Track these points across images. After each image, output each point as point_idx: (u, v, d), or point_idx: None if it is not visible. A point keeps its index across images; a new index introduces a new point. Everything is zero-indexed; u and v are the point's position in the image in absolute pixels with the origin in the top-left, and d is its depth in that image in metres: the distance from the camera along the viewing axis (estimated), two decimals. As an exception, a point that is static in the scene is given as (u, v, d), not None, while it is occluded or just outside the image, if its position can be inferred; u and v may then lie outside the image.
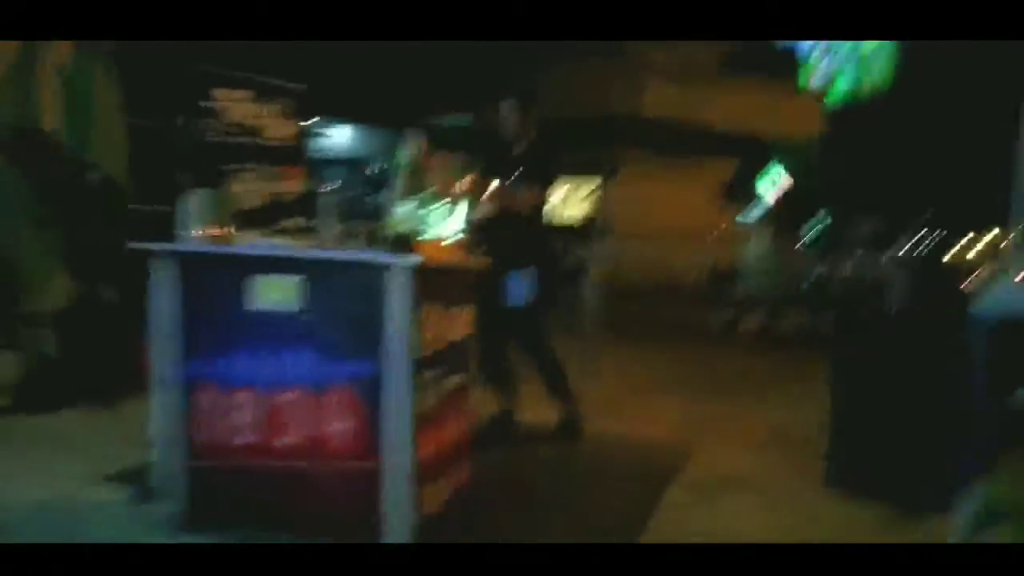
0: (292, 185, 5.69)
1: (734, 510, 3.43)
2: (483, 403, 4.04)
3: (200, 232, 3.01)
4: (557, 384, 4.37)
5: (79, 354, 4.25)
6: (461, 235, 3.63)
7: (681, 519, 3.27)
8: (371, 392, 2.68)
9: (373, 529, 2.64)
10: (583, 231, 19.27)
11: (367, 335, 2.70)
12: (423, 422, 2.79)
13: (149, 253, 2.83)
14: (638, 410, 5.33)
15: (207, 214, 3.07)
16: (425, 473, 2.80)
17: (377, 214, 3.72)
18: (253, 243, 3.19)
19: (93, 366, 4.22)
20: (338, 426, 2.71)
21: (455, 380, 3.14)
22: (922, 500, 3.41)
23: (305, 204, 5.44)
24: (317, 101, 6.95)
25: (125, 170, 4.79)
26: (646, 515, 3.26)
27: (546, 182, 4.22)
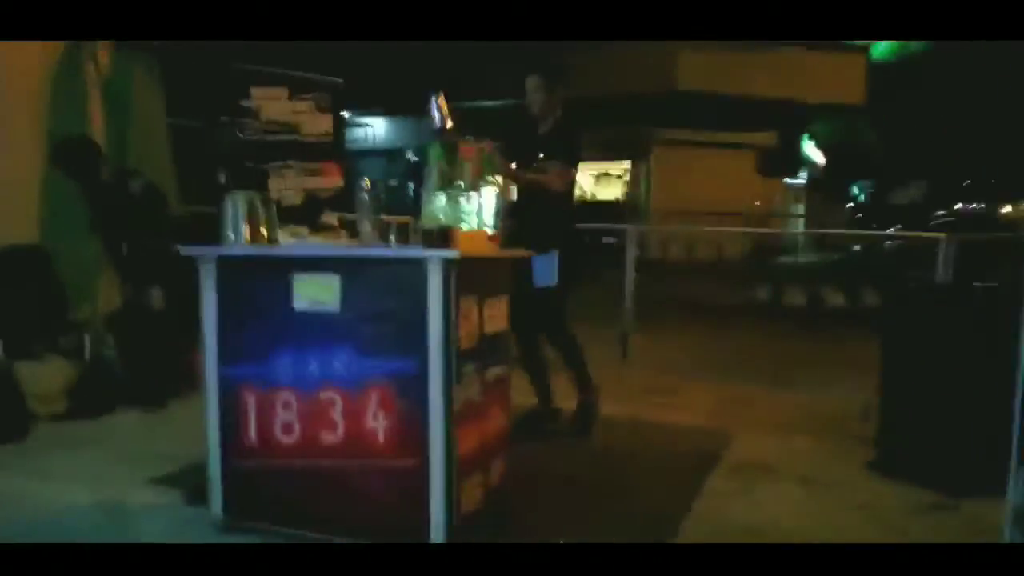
0: (330, 180, 5.74)
1: (777, 498, 3.40)
2: (521, 393, 4.06)
3: (243, 233, 3.06)
4: (576, 368, 4.32)
5: (130, 358, 4.37)
6: (496, 224, 3.63)
7: (723, 508, 3.25)
8: (412, 388, 2.72)
9: (417, 527, 2.68)
10: (619, 210, 19.17)
11: (407, 331, 2.74)
12: (464, 417, 2.82)
13: (192, 257, 2.90)
14: (677, 394, 5.32)
15: (249, 215, 3.11)
16: (466, 468, 2.84)
17: (414, 206, 3.74)
18: (293, 243, 3.24)
19: (144, 369, 4.34)
20: (380, 423, 2.75)
21: (495, 372, 3.16)
22: (972, 484, 3.35)
23: (343, 199, 5.50)
24: (352, 93, 7.01)
25: (167, 175, 4.90)
26: (687, 505, 3.25)
27: (572, 162, 4.17)
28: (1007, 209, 18.34)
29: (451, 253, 2.75)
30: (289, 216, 5.01)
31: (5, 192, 4.38)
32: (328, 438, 2.79)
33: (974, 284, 3.99)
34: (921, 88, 21.13)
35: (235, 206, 3.02)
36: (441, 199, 3.28)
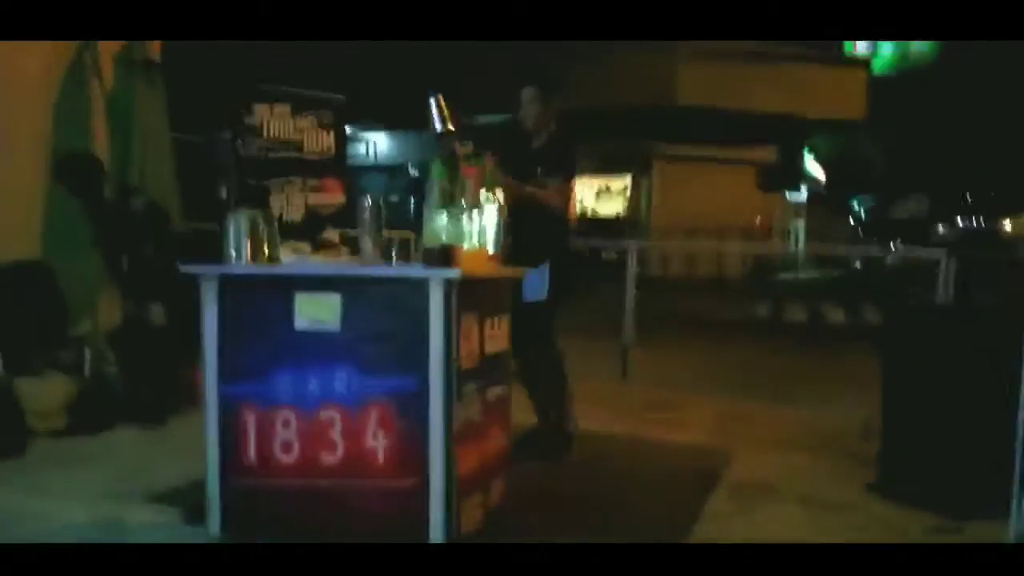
0: (331, 196, 5.77)
1: (778, 519, 3.37)
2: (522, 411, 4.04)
3: (244, 251, 3.07)
4: (556, 388, 4.11)
5: (130, 374, 4.36)
6: (498, 243, 3.62)
7: (723, 530, 3.22)
8: (412, 408, 2.72)
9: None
10: (619, 225, 19.20)
11: (408, 350, 2.74)
12: (464, 436, 2.82)
13: (194, 275, 2.90)
14: (677, 410, 5.30)
15: (251, 233, 3.12)
16: (466, 488, 2.83)
17: (416, 221, 3.74)
18: (294, 261, 3.24)
19: (144, 386, 4.34)
20: (379, 443, 2.75)
21: (495, 392, 3.16)
22: (974, 507, 3.33)
23: (345, 215, 5.51)
24: (353, 109, 7.04)
25: (170, 191, 4.91)
26: (687, 528, 3.22)
27: (568, 177, 4.14)
28: (1008, 224, 18.35)
29: (452, 272, 2.75)
30: (291, 232, 5.03)
31: (8, 207, 4.39)
32: (327, 457, 2.79)
33: (975, 303, 4.00)
34: (922, 102, 21.20)
35: (237, 224, 3.03)
36: (443, 217, 3.28)
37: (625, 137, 18.85)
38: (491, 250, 3.34)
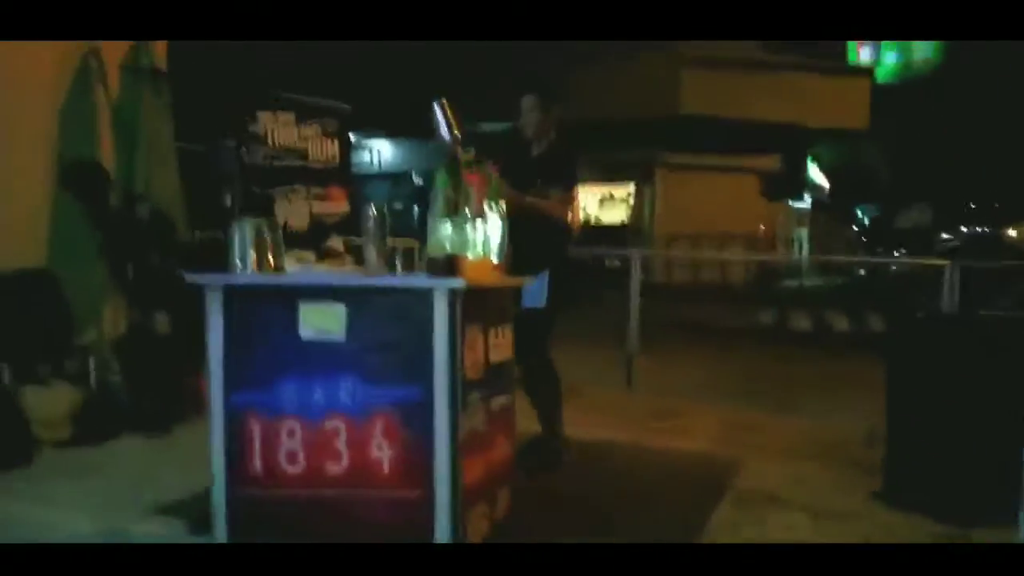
0: (336, 205, 5.77)
1: (785, 530, 3.36)
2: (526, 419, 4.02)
3: (250, 261, 3.07)
4: (553, 395, 4.09)
5: (135, 383, 4.36)
6: (502, 252, 3.62)
7: (730, 539, 3.21)
8: (417, 418, 2.71)
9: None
10: (623, 233, 19.20)
11: (413, 360, 2.74)
12: (469, 446, 2.81)
13: (199, 285, 2.90)
14: (682, 419, 5.29)
15: (255, 243, 3.12)
16: (471, 499, 2.82)
17: (420, 230, 3.74)
18: (299, 271, 3.25)
19: (149, 395, 4.33)
20: (385, 453, 2.74)
21: (500, 401, 3.16)
22: (981, 515, 3.32)
23: (349, 223, 5.51)
24: (358, 117, 7.05)
25: (175, 200, 4.92)
26: (694, 537, 3.20)
27: (570, 186, 4.12)
28: (1012, 232, 18.32)
29: (457, 282, 2.75)
30: (295, 240, 5.04)
31: (13, 215, 4.40)
32: (333, 467, 2.78)
33: (980, 312, 3.99)
34: (926, 111, 21.21)
35: (242, 233, 3.03)
36: (447, 226, 3.28)
37: (628, 146, 18.88)
38: (495, 259, 3.34)
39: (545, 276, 3.91)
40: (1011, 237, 18.30)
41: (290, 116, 5.69)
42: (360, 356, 2.78)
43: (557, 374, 4.12)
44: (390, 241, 3.21)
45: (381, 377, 2.76)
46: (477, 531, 2.87)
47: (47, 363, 4.21)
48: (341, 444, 2.77)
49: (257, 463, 2.83)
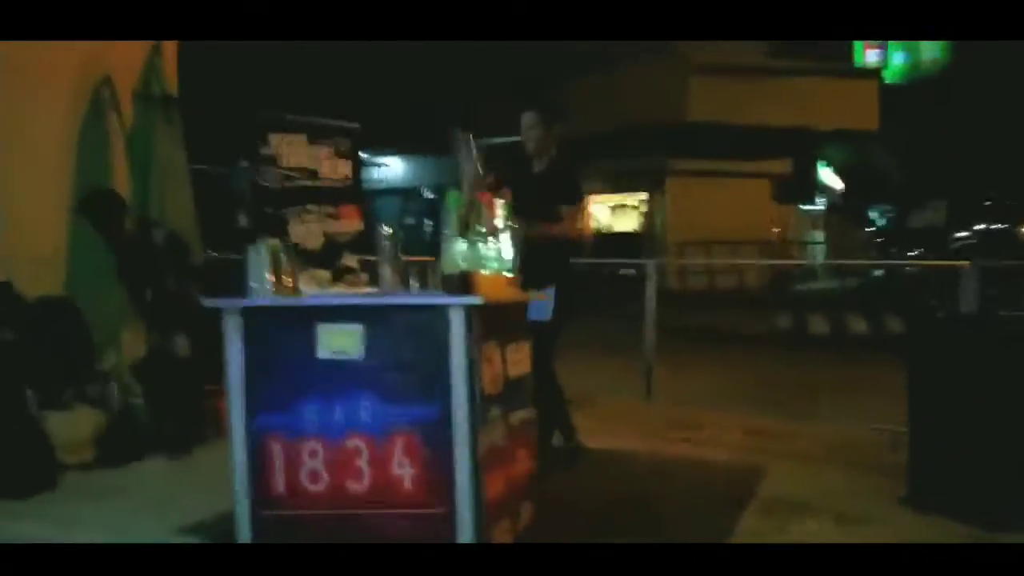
0: (349, 223, 5.79)
1: (813, 538, 3.33)
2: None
3: (266, 283, 3.09)
4: (556, 405, 4.16)
5: (156, 406, 4.40)
6: (515, 268, 3.63)
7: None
8: (438, 435, 2.72)
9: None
10: (637, 242, 19.17)
11: (431, 378, 2.75)
12: (490, 462, 2.81)
13: (216, 308, 2.92)
14: (703, 428, 5.26)
15: (271, 265, 3.14)
16: (494, 514, 2.82)
17: (433, 246, 3.75)
18: (316, 292, 3.27)
19: (170, 417, 4.36)
20: (406, 471, 2.75)
21: (520, 415, 3.16)
22: (1008, 518, 3.28)
23: (363, 241, 5.53)
24: (368, 136, 7.10)
25: (190, 223, 4.96)
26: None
27: (575, 201, 4.14)
28: (1028, 230, 18.14)
29: (473, 299, 2.76)
30: (310, 260, 5.07)
31: (33, 244, 4.46)
32: (354, 487, 2.79)
33: (1001, 313, 3.95)
34: (936, 110, 21.11)
35: (258, 256, 3.05)
36: (461, 243, 3.29)
37: (638, 154, 18.89)
38: (509, 274, 3.34)
39: (551, 290, 3.93)
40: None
41: (301, 137, 5.72)
42: (379, 375, 2.79)
43: (560, 385, 4.17)
44: (404, 258, 3.23)
45: (400, 396, 2.77)
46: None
47: (69, 388, 4.25)
48: (362, 463, 2.78)
49: (280, 484, 2.84)
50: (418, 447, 2.74)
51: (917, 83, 22.06)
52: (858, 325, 10.28)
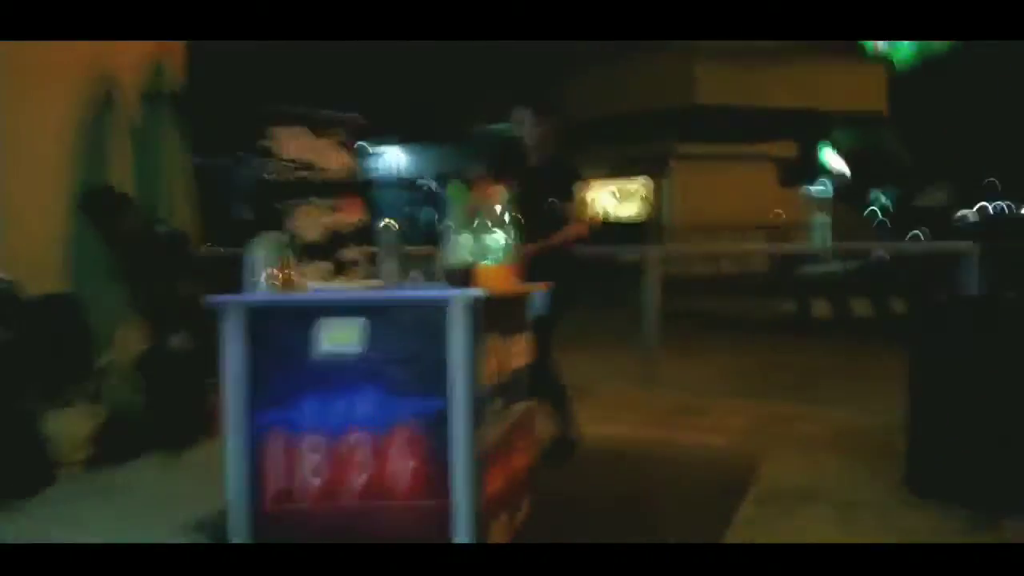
0: (351, 215, 5.79)
1: (815, 525, 3.33)
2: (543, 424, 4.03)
3: (267, 277, 3.09)
4: (556, 397, 4.17)
5: (154, 403, 4.40)
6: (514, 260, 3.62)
7: (759, 536, 3.19)
8: (437, 429, 2.72)
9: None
10: (639, 227, 19.13)
11: (432, 371, 2.74)
12: (490, 455, 2.82)
13: (216, 305, 2.92)
14: (706, 415, 5.27)
15: (272, 259, 3.14)
16: (493, 509, 2.83)
17: (434, 237, 3.75)
18: (317, 286, 3.26)
19: (168, 414, 4.37)
20: (406, 465, 2.75)
21: (519, 408, 3.16)
22: (1011, 503, 3.28)
23: (364, 233, 5.54)
24: (370, 126, 7.09)
25: (192, 220, 4.97)
26: (721, 533, 3.19)
27: (566, 197, 4.11)
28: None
29: (475, 292, 2.76)
30: (312, 252, 5.08)
31: (33, 241, 4.47)
32: (354, 481, 2.79)
33: (1006, 295, 3.94)
34: (943, 91, 20.95)
35: (259, 251, 3.05)
36: (463, 236, 3.29)
37: (643, 139, 18.82)
38: (510, 266, 3.34)
39: (548, 286, 3.92)
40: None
41: (303, 129, 5.71)
42: (380, 369, 2.78)
43: (561, 377, 4.17)
44: (405, 250, 3.23)
45: (401, 389, 2.76)
46: (499, 540, 2.87)
47: (69, 385, 4.26)
48: (362, 458, 2.77)
49: (280, 479, 2.85)
50: (418, 441, 2.74)
51: (925, 65, 21.89)
52: (862, 308, 10.25)
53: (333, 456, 2.79)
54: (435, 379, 2.74)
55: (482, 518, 2.72)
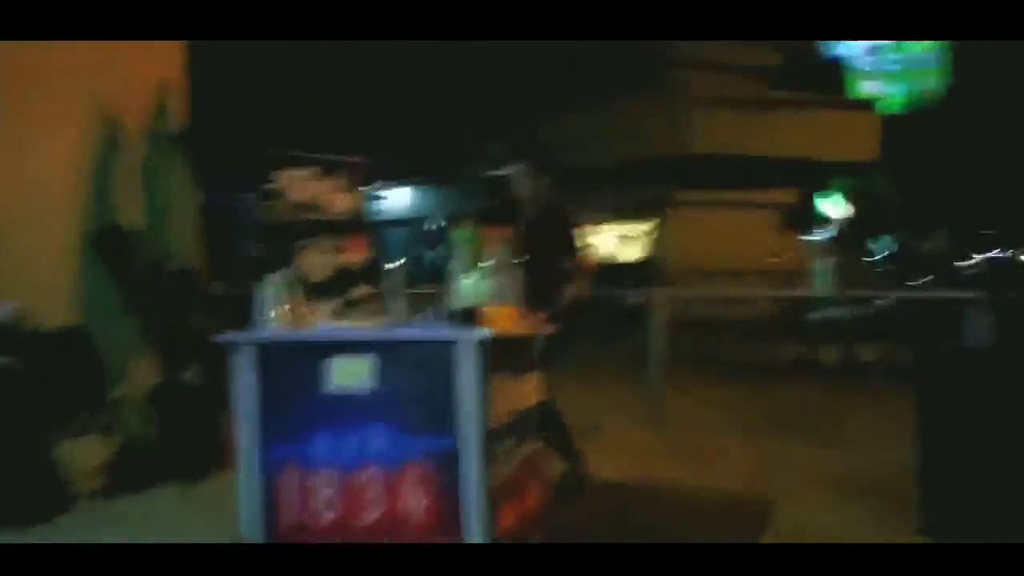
0: (357, 254, 5.84)
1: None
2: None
3: (277, 316, 3.10)
4: (559, 436, 4.10)
5: (167, 435, 4.40)
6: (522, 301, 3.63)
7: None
8: (448, 467, 2.71)
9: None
10: (640, 271, 19.20)
11: (441, 410, 2.75)
12: (501, 494, 2.80)
13: (229, 341, 2.93)
14: (714, 460, 5.23)
15: (282, 298, 3.16)
16: (506, 546, 2.80)
17: (440, 275, 3.77)
18: (325, 325, 3.28)
19: (180, 446, 4.37)
20: (417, 503, 2.74)
21: (530, 446, 3.15)
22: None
23: (371, 272, 5.58)
24: (374, 168, 7.18)
25: (200, 256, 5.01)
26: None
27: (561, 248, 4.12)
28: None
29: (483, 333, 2.77)
30: (320, 291, 5.11)
31: (46, 276, 4.50)
32: (366, 518, 2.77)
33: (1007, 344, 3.95)
34: (936, 138, 21.23)
35: (269, 290, 3.08)
36: (470, 277, 3.32)
37: (641, 186, 19.00)
38: (516, 307, 3.36)
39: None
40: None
41: (309, 172, 5.80)
42: (390, 407, 2.80)
43: (562, 416, 4.13)
44: (412, 289, 3.26)
45: (411, 428, 2.77)
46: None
47: (82, 416, 4.27)
48: (374, 495, 2.77)
49: (291, 515, 2.83)
50: (429, 480, 2.74)
51: (916, 113, 22.22)
52: (867, 353, 10.23)
53: (345, 492, 2.79)
54: (445, 418, 2.75)
55: (493, 557, 2.69)
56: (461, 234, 3.56)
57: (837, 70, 21.78)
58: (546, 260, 4.00)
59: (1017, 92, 18.47)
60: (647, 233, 20.99)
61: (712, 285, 17.39)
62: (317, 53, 10.75)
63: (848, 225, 22.24)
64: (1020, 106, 18.96)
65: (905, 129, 21.37)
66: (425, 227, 20.08)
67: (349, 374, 2.83)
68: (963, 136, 20.96)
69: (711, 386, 8.37)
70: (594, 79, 17.56)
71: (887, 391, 7.01)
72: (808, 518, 3.94)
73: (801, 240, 20.98)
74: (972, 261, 18.77)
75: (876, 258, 21.56)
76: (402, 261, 3.92)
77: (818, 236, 21.85)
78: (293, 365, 2.89)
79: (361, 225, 6.25)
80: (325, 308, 4.48)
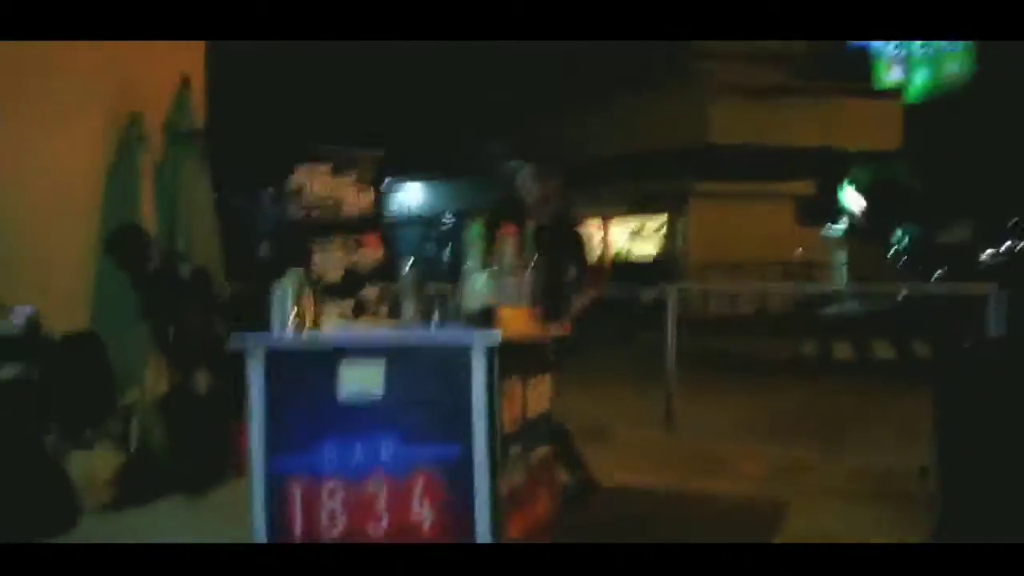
0: (371, 252, 5.83)
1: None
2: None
3: (290, 319, 3.08)
4: (562, 445, 4.01)
5: (177, 443, 4.40)
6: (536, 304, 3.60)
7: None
8: (458, 475, 2.69)
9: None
10: (656, 266, 19.09)
11: (452, 417, 2.73)
12: (511, 502, 2.79)
13: (240, 347, 2.93)
14: (726, 462, 5.18)
15: (295, 300, 3.14)
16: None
17: (454, 274, 3.74)
18: (338, 328, 3.27)
19: (190, 455, 4.36)
20: (425, 511, 2.72)
21: (540, 453, 3.13)
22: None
23: (384, 271, 5.57)
24: (391, 163, 7.17)
25: (215, 258, 5.01)
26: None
27: (583, 258, 4.10)
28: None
29: (494, 336, 2.75)
30: (333, 291, 5.10)
31: (58, 280, 4.53)
32: (374, 527, 2.77)
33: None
34: (959, 126, 20.91)
35: (281, 294, 3.06)
36: (483, 278, 3.28)
37: (660, 177, 18.88)
38: (530, 309, 3.33)
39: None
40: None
41: (325, 167, 5.79)
42: (400, 414, 2.77)
43: (564, 423, 4.06)
44: (425, 289, 3.23)
45: (421, 435, 2.75)
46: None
47: (91, 425, 4.26)
48: (382, 503, 2.75)
49: (299, 524, 2.83)
50: (438, 487, 2.72)
51: (940, 100, 21.88)
52: (884, 351, 10.11)
53: (353, 501, 2.77)
54: (455, 424, 2.72)
55: (503, 566, 2.68)
56: (474, 230, 3.53)
57: (862, 58, 21.50)
58: (557, 269, 3.96)
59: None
60: (663, 227, 20.86)
61: (730, 279, 17.26)
62: (317, 53, 10.72)
63: (869, 216, 22.00)
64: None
65: (928, 118, 21.06)
66: (441, 223, 20.08)
67: (360, 380, 2.81)
68: (986, 125, 20.61)
69: (726, 388, 8.28)
70: (611, 72, 17.44)
71: (903, 389, 6.93)
72: (820, 524, 3.90)
73: (821, 232, 20.78)
74: (995, 251, 18.50)
75: (897, 248, 21.32)
76: (413, 260, 3.89)
77: (838, 227, 21.64)
78: (303, 371, 2.87)
79: (377, 221, 6.25)
80: (337, 309, 4.49)
